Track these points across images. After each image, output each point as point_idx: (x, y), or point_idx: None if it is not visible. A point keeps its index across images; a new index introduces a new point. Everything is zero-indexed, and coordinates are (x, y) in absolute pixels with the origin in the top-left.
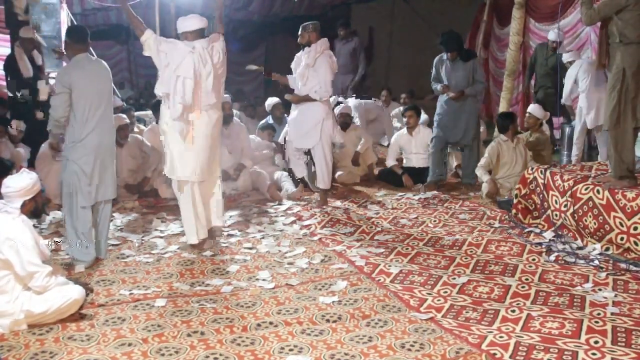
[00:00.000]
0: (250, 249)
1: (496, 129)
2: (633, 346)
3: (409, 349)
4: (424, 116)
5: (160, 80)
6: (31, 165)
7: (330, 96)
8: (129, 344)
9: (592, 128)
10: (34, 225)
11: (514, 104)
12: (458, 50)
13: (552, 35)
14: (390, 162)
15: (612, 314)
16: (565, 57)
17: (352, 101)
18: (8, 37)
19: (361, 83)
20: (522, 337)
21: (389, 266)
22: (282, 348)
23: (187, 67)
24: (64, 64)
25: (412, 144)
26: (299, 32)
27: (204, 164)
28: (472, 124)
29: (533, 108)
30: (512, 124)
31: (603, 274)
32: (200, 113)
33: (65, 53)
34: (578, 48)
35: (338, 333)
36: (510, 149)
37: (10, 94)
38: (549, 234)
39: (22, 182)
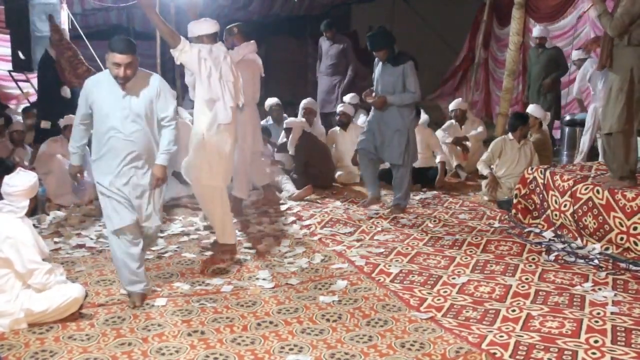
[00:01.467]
0: (250, 249)
1: (496, 129)
2: (633, 345)
3: (409, 349)
4: (424, 116)
5: (207, 87)
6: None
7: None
8: (129, 344)
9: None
10: (34, 225)
11: (513, 104)
12: (385, 50)
13: (536, 31)
14: None
15: (611, 313)
16: (575, 54)
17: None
18: (8, 37)
19: (350, 85)
20: (522, 336)
21: (389, 266)
22: (283, 347)
23: (227, 70)
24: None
25: None
26: (224, 37)
27: (231, 167)
28: (400, 142)
29: (532, 108)
30: (522, 125)
31: (603, 274)
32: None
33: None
34: (577, 49)
35: (338, 332)
36: (515, 148)
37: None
38: (548, 234)
39: (27, 180)
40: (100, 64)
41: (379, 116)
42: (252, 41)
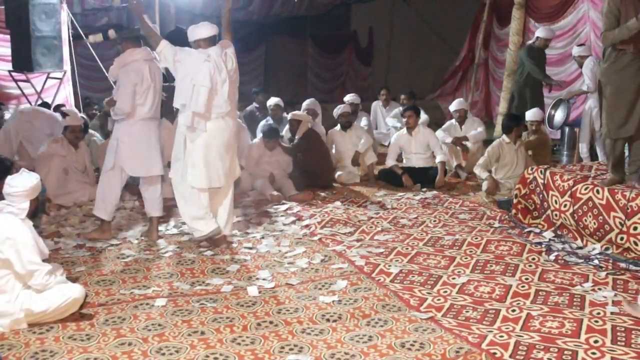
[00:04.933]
0: (250, 249)
1: (497, 129)
2: (633, 345)
3: (409, 348)
4: (424, 116)
5: (178, 92)
6: None
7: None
8: (129, 344)
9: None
10: (34, 225)
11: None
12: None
13: (547, 32)
14: (390, 162)
15: (611, 313)
16: (577, 51)
17: None
18: (8, 37)
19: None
20: (522, 336)
21: (389, 266)
22: (282, 347)
23: (203, 75)
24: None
25: (412, 144)
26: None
27: (219, 172)
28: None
29: (533, 113)
30: (517, 126)
31: (603, 274)
32: (217, 120)
33: None
34: (580, 45)
35: (338, 332)
36: (512, 150)
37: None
38: (548, 234)
39: (29, 182)
40: (100, 64)
41: None
42: (131, 49)
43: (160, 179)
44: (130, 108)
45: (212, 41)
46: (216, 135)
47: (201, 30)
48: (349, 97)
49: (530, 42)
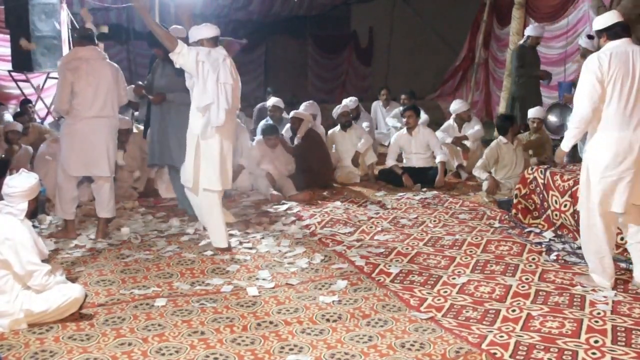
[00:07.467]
0: (250, 249)
1: (495, 130)
2: (633, 345)
3: (409, 349)
4: (424, 116)
5: (204, 91)
6: None
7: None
8: (129, 344)
9: None
10: (33, 226)
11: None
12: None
13: (539, 30)
14: (390, 162)
15: (612, 313)
16: (583, 42)
17: None
18: (8, 37)
19: None
20: (522, 336)
21: (389, 266)
22: (282, 347)
23: (226, 73)
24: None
25: (412, 144)
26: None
27: (229, 173)
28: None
29: (535, 111)
30: (511, 125)
31: None
32: (228, 119)
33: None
34: (589, 37)
35: (338, 332)
36: (511, 151)
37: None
38: (549, 234)
39: (27, 182)
40: None
41: (156, 115)
42: (75, 48)
43: (109, 180)
44: (65, 106)
45: (214, 42)
46: (226, 133)
47: (206, 31)
48: (346, 102)
49: (521, 42)
